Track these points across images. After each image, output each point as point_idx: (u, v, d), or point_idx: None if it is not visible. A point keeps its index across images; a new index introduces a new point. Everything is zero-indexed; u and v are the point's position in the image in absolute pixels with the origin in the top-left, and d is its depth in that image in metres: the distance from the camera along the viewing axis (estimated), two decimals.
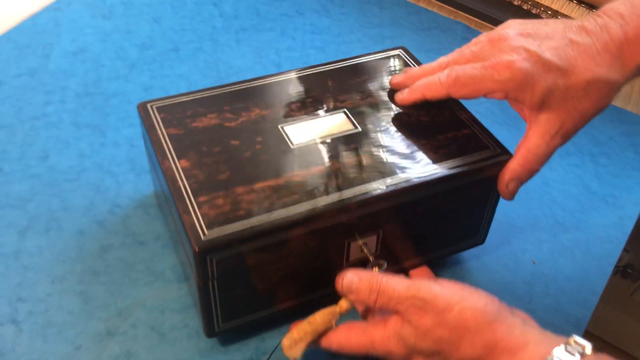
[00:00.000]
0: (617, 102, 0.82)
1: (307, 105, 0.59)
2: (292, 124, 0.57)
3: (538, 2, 0.88)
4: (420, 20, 0.87)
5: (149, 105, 0.57)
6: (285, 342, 0.52)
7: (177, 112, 0.57)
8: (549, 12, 0.88)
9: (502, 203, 0.68)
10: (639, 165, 0.75)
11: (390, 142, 0.56)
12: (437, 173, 0.54)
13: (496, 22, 0.88)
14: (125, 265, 0.59)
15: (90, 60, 0.75)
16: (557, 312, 0.62)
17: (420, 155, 0.55)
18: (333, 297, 0.57)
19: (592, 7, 0.86)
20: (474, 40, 0.58)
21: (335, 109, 0.59)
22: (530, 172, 0.55)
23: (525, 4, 0.89)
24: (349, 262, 0.56)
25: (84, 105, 0.71)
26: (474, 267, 0.64)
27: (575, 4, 0.86)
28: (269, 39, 0.80)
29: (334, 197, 0.51)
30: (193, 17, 0.81)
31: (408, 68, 0.63)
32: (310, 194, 0.51)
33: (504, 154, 0.56)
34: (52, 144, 0.67)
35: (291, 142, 0.55)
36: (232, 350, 0.56)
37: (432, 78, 0.56)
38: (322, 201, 0.50)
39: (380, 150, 0.55)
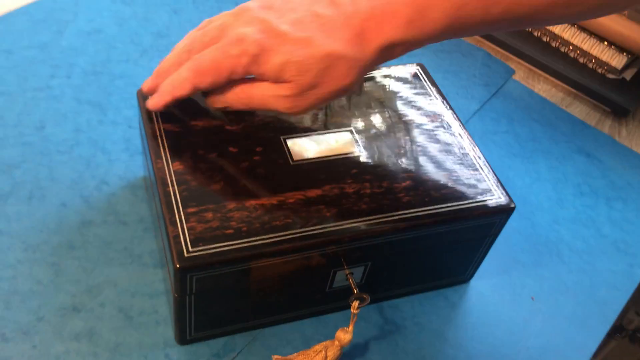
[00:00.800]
0: None
1: (312, 118, 0.56)
2: (295, 137, 0.54)
3: (555, 34, 0.86)
4: (441, 42, 0.85)
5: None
6: None
7: (177, 105, 0.54)
8: (570, 47, 0.86)
9: (506, 233, 0.65)
10: None
11: (393, 172, 0.53)
12: (436, 214, 0.51)
13: (517, 53, 0.86)
14: (103, 243, 0.57)
15: (103, 41, 0.74)
16: (552, 354, 0.58)
17: (421, 192, 0.52)
18: (312, 315, 0.55)
19: (612, 43, 0.83)
20: (215, 17, 0.52)
21: (342, 125, 0.56)
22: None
23: (545, 37, 0.87)
24: (331, 289, 0.53)
25: (89, 82, 0.69)
26: (468, 294, 0.61)
27: (597, 41, 0.84)
28: None
29: (327, 227, 0.48)
30: (213, 13, 0.79)
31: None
32: (303, 221, 0.48)
33: (508, 202, 0.53)
34: (50, 115, 0.65)
35: (291, 158, 0.52)
36: (200, 344, 0.52)
37: (175, 76, 0.50)
38: (315, 230, 0.48)
39: (381, 180, 0.52)
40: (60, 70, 0.70)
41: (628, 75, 0.84)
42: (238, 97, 0.49)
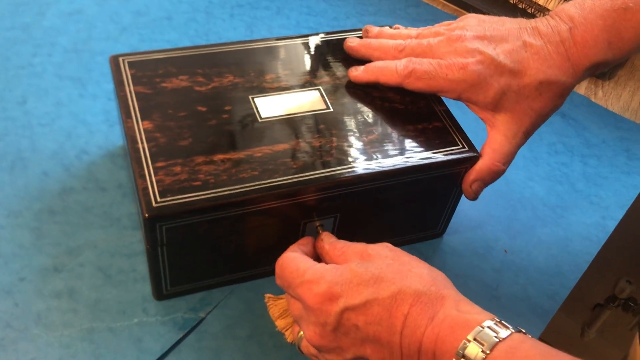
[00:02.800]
0: (616, 108, 0.80)
1: (282, 79, 0.58)
2: (263, 96, 0.56)
3: (533, 1, 0.87)
4: (418, 12, 0.86)
5: (121, 59, 0.56)
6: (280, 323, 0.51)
7: (148, 69, 0.56)
8: (546, 13, 0.87)
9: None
10: (630, 170, 0.73)
11: (360, 126, 0.55)
12: (401, 164, 0.53)
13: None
14: (84, 208, 0.59)
15: (83, 21, 0.76)
16: (523, 302, 0.60)
17: (387, 143, 0.54)
18: None
19: None
20: (434, 29, 0.58)
21: (310, 85, 0.58)
22: (494, 173, 0.55)
23: (521, 3, 0.88)
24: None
25: (70, 59, 0.71)
26: (440, 249, 0.62)
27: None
28: (263, 16, 0.80)
29: (293, 178, 0.50)
30: None
31: (366, 28, 0.62)
32: (270, 173, 0.50)
33: (472, 152, 0.55)
34: (32, 91, 0.67)
35: (259, 115, 0.54)
36: (177, 299, 0.54)
37: (389, 64, 0.56)
38: (281, 181, 0.49)
39: (348, 134, 0.54)
40: (42, 49, 0.72)
41: None
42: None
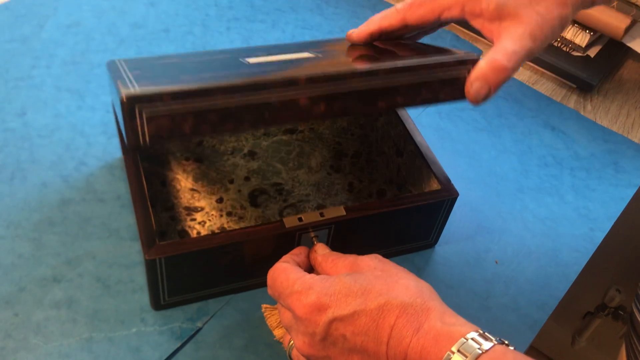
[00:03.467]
0: (604, 122, 0.82)
1: (274, 51, 0.56)
2: (255, 57, 0.53)
3: None
4: None
5: (117, 61, 0.57)
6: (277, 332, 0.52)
7: (147, 68, 0.57)
8: None
9: (472, 202, 0.68)
10: (617, 183, 0.74)
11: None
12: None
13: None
14: (82, 219, 0.60)
15: (82, 33, 0.77)
16: (513, 312, 0.61)
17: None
18: None
19: (575, 22, 0.86)
20: None
21: (301, 51, 0.56)
22: (497, 70, 0.49)
23: None
24: None
25: (68, 71, 0.72)
26: (432, 259, 0.64)
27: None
28: (260, 29, 0.81)
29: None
30: (188, 5, 0.83)
31: (348, 33, 0.59)
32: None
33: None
34: (31, 102, 0.68)
35: (248, 62, 0.52)
36: (174, 309, 0.55)
37: (386, 10, 0.55)
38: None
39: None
40: (40, 61, 0.73)
41: (592, 52, 0.87)
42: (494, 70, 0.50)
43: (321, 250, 0.51)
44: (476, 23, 0.52)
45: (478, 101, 0.51)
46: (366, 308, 0.43)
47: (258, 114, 0.45)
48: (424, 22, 0.53)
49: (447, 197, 0.58)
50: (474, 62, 0.51)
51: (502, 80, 0.50)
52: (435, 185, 0.59)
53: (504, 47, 0.49)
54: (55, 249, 0.57)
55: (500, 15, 0.51)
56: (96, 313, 0.54)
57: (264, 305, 0.53)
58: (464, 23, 0.88)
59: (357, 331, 0.43)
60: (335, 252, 0.50)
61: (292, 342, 0.48)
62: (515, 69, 0.50)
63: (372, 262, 0.47)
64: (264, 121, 0.46)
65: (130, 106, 0.42)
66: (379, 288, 0.44)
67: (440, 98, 0.52)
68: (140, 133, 0.43)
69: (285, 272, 0.47)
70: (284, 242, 0.54)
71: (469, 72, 0.51)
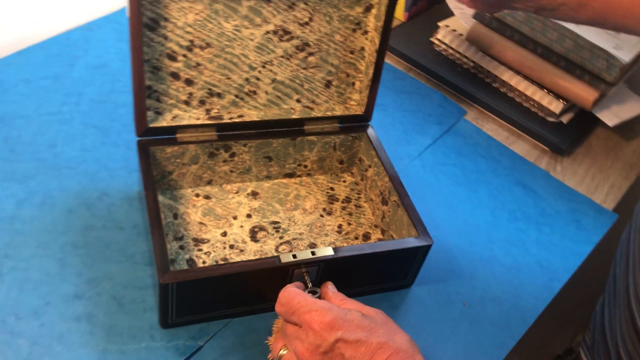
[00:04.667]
0: (571, 183, 0.91)
1: None
2: None
3: (503, 81, 0.98)
4: (404, 84, 0.97)
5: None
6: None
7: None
8: (516, 92, 0.99)
9: (447, 249, 0.77)
10: (577, 239, 0.83)
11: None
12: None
13: (470, 97, 0.99)
14: (103, 244, 0.68)
15: (108, 74, 0.86)
16: (475, 349, 0.69)
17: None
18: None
19: (550, 91, 0.96)
20: None
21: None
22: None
23: (495, 83, 0.99)
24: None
25: (95, 109, 0.81)
26: (408, 298, 0.72)
27: (538, 89, 0.97)
28: None
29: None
30: None
31: None
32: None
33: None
34: (61, 136, 0.77)
35: None
36: (179, 328, 0.63)
37: None
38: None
39: None
40: (70, 98, 0.82)
41: (565, 119, 0.97)
42: None
43: (332, 288, 0.61)
44: None
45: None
46: (368, 341, 0.52)
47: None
48: None
49: (423, 244, 0.67)
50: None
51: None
52: (413, 233, 0.68)
53: None
54: (78, 269, 0.65)
55: None
56: (111, 328, 0.62)
57: (270, 338, 0.61)
58: (454, 86, 0.98)
59: (355, 356, 0.52)
60: (342, 293, 0.60)
61: (282, 351, 0.56)
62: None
63: (378, 314, 0.57)
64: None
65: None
66: (382, 332, 0.54)
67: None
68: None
69: (302, 295, 0.56)
70: (278, 275, 0.62)
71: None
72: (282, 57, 0.70)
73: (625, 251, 0.75)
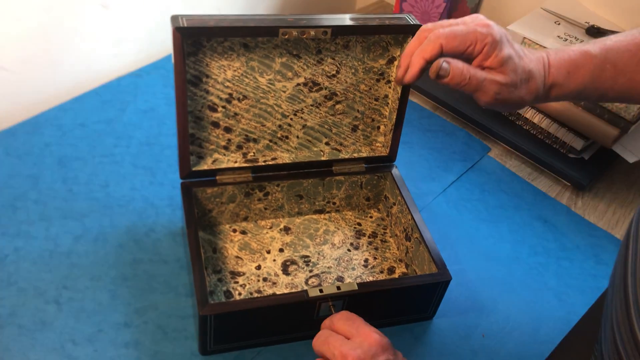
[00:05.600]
0: (592, 218, 0.95)
1: None
2: None
3: (527, 119, 1.03)
4: (430, 123, 1.03)
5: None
6: None
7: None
8: (538, 129, 1.03)
9: (468, 282, 0.82)
10: (596, 274, 0.87)
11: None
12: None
13: (494, 134, 1.04)
14: (149, 276, 0.75)
15: (155, 118, 0.94)
16: None
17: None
18: (303, 338, 0.72)
19: (572, 129, 1.00)
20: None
21: None
22: (460, 78, 0.65)
23: (518, 121, 1.04)
24: (318, 317, 0.69)
25: (143, 151, 0.89)
26: (429, 330, 0.77)
27: (560, 126, 1.01)
28: None
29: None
30: None
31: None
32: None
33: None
34: (113, 177, 0.85)
35: None
36: (217, 355, 0.70)
37: (423, 44, 0.66)
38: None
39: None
40: (121, 141, 0.90)
41: (586, 155, 1.01)
42: (461, 72, 0.65)
43: None
44: (476, 62, 0.66)
45: (431, 76, 0.66)
46: None
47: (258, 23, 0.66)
48: (455, 52, 0.65)
49: (442, 279, 0.72)
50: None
51: (455, 81, 0.65)
52: (433, 269, 0.73)
53: (477, 72, 0.65)
54: (127, 299, 0.72)
55: (496, 66, 0.66)
56: (156, 354, 0.68)
57: None
58: (479, 124, 1.03)
59: None
60: None
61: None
62: (468, 85, 0.66)
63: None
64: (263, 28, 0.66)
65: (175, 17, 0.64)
66: None
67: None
68: (181, 23, 0.64)
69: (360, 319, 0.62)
70: (306, 308, 0.68)
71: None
72: (312, 105, 0.77)
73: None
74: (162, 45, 1.07)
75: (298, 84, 0.75)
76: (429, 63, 0.66)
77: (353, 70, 0.76)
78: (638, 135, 0.99)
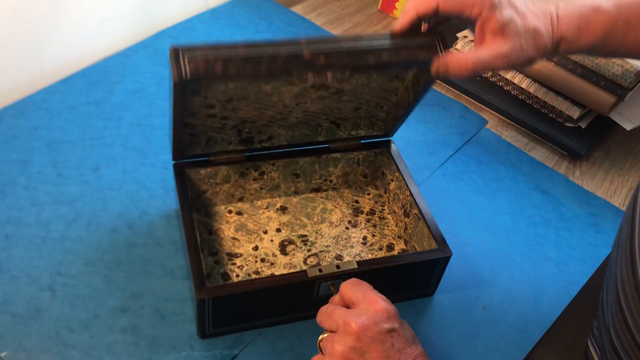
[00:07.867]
0: (590, 187, 0.94)
1: None
2: None
3: (522, 89, 1.01)
4: (425, 97, 1.00)
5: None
6: None
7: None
8: (534, 99, 1.02)
9: (467, 256, 0.81)
10: (596, 243, 0.86)
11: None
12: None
13: (490, 105, 1.02)
14: (144, 260, 0.74)
15: (145, 98, 0.92)
16: (495, 351, 0.73)
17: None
18: (303, 318, 0.71)
19: (568, 97, 0.98)
20: None
21: None
22: (461, 68, 0.64)
23: (514, 91, 1.03)
24: (317, 297, 0.69)
25: (134, 132, 0.87)
26: (431, 305, 0.76)
27: (556, 95, 0.99)
28: None
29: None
30: None
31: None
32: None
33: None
34: (104, 159, 0.83)
35: None
36: (216, 338, 0.69)
37: None
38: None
39: None
40: (111, 123, 0.88)
41: (583, 124, 1.00)
42: (460, 64, 0.63)
43: None
44: (478, 26, 0.64)
45: (432, 74, 0.65)
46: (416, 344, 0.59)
47: (271, 62, 0.60)
48: (451, 12, 0.63)
49: (442, 256, 0.71)
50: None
51: (460, 75, 0.64)
52: (433, 245, 0.72)
53: (480, 54, 0.63)
54: (123, 284, 0.71)
55: (498, 31, 0.63)
56: (154, 339, 0.67)
57: None
58: (475, 96, 1.01)
59: (400, 347, 0.57)
60: None
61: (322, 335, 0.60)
62: (475, 73, 0.64)
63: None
64: (277, 68, 0.60)
65: (175, 51, 0.58)
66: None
67: (418, 56, 0.65)
68: (183, 70, 0.58)
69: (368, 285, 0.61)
70: (306, 288, 0.67)
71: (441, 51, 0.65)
72: (316, 99, 0.72)
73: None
74: (150, 23, 1.04)
75: (305, 88, 0.69)
76: (420, 18, 0.65)
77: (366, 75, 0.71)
78: (635, 103, 0.98)
